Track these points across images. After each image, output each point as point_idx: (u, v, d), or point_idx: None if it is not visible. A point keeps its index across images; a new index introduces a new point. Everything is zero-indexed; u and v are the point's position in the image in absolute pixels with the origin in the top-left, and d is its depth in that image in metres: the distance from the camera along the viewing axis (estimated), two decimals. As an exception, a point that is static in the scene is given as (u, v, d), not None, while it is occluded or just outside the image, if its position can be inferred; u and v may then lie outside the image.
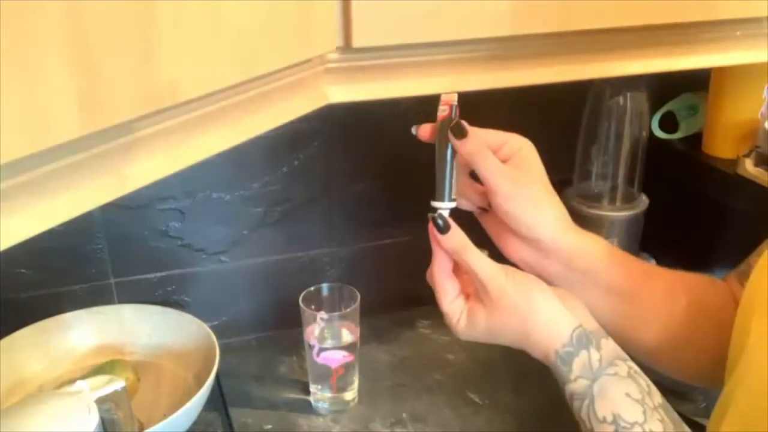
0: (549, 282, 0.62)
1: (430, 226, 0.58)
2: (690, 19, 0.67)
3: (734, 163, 0.94)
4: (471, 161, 0.59)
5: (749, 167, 0.92)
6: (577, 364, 0.54)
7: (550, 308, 0.56)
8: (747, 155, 0.92)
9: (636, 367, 0.55)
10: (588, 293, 0.61)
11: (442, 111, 0.60)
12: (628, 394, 0.53)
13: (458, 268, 0.59)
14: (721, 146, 0.99)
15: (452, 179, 0.60)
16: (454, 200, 0.60)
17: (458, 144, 0.58)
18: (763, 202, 0.89)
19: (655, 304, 0.62)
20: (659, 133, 1.05)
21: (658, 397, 0.54)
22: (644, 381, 0.54)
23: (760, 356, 0.48)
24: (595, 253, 0.62)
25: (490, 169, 0.58)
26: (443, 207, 0.59)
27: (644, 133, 0.97)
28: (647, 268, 0.65)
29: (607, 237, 0.96)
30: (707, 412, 0.55)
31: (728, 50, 0.72)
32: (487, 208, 0.62)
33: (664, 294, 0.63)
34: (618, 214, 0.97)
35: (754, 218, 0.91)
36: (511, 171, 0.59)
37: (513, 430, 0.85)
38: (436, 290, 0.59)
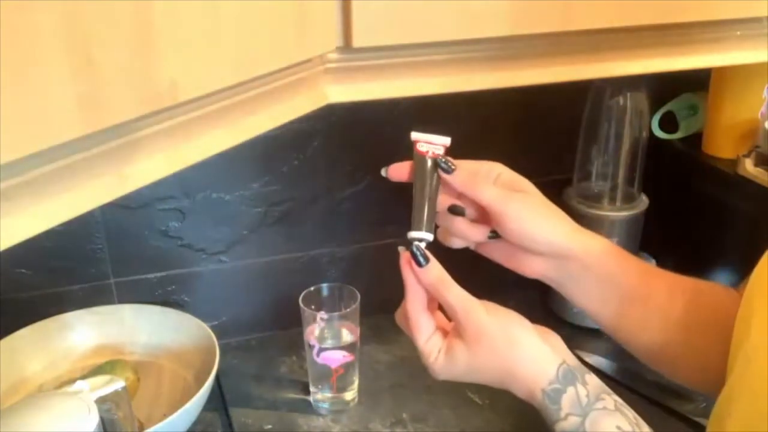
0: (570, 288, 0.62)
1: (405, 259, 0.57)
2: (690, 19, 0.67)
3: (734, 163, 0.94)
4: (470, 193, 0.59)
5: (749, 167, 0.92)
6: (566, 401, 0.54)
7: (532, 344, 0.56)
8: (747, 155, 0.92)
9: (620, 400, 0.55)
10: (603, 290, 0.61)
11: (420, 147, 0.60)
12: (619, 427, 0.53)
13: (432, 304, 0.58)
14: (721, 146, 0.99)
15: (433, 212, 0.59)
16: (431, 233, 0.58)
17: (450, 178, 0.58)
18: (763, 202, 0.89)
19: (654, 303, 0.62)
20: (659, 133, 1.05)
21: (645, 427, 0.54)
22: (631, 413, 0.54)
23: (761, 357, 0.48)
24: (602, 249, 0.62)
25: (494, 197, 0.58)
26: (423, 237, 0.58)
27: (644, 133, 0.97)
28: (647, 267, 0.65)
29: (607, 237, 0.95)
30: (707, 412, 0.55)
31: (728, 50, 0.72)
32: (496, 236, 0.61)
33: (665, 294, 0.63)
34: (618, 214, 0.97)
35: (754, 218, 0.91)
36: (512, 193, 0.59)
37: (513, 430, 0.85)
38: (410, 327, 0.58)
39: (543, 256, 0.61)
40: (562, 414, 0.54)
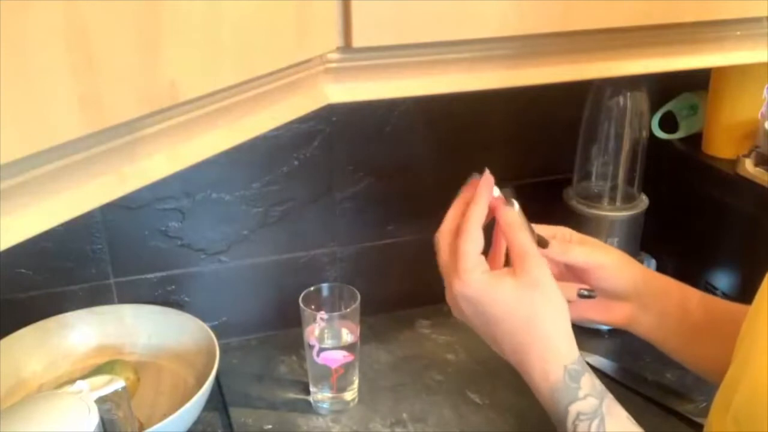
0: (655, 325, 0.67)
1: (497, 203, 0.58)
2: (690, 19, 0.67)
3: (734, 163, 0.94)
4: (563, 259, 0.64)
5: (749, 167, 0.92)
6: (585, 382, 0.54)
7: (569, 323, 0.56)
8: (747, 155, 0.92)
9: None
10: (680, 319, 0.67)
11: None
12: (628, 418, 0.54)
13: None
14: (721, 146, 0.99)
15: None
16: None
17: (546, 252, 0.62)
18: (763, 202, 0.89)
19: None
20: (659, 133, 1.05)
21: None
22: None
23: (761, 364, 0.48)
24: (668, 279, 0.69)
25: (584, 255, 0.65)
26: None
27: (644, 133, 0.97)
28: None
29: (607, 237, 0.96)
30: (707, 412, 0.55)
31: (728, 50, 0.72)
32: (589, 295, 0.65)
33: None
34: (618, 214, 0.97)
35: (754, 218, 0.91)
36: (593, 248, 0.66)
37: (513, 430, 0.85)
38: (463, 237, 0.56)
39: (628, 299, 0.66)
40: (581, 393, 0.54)
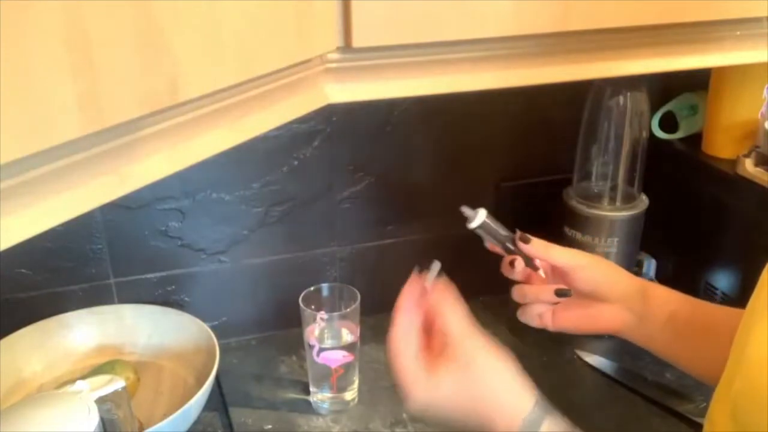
0: (643, 329, 0.68)
1: (419, 280, 0.59)
2: (690, 19, 0.67)
3: (734, 163, 0.94)
4: (544, 257, 0.67)
5: (749, 167, 0.92)
6: (547, 425, 0.54)
7: (514, 379, 0.56)
8: (747, 155, 0.92)
9: None
10: (671, 324, 0.67)
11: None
12: None
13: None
14: (721, 146, 0.99)
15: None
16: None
17: (527, 248, 0.66)
18: (763, 202, 0.89)
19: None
20: (659, 133, 1.05)
21: None
22: None
23: (757, 358, 0.48)
24: (657, 285, 0.70)
25: (566, 256, 0.67)
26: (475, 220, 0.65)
27: (644, 133, 0.97)
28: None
29: (607, 237, 0.96)
30: (707, 412, 0.55)
31: (728, 50, 0.72)
32: (566, 294, 0.67)
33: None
34: (618, 214, 0.96)
35: (754, 218, 0.91)
36: (575, 250, 0.68)
37: (513, 430, 0.85)
38: (396, 345, 0.57)
39: (612, 303, 0.67)
40: None
